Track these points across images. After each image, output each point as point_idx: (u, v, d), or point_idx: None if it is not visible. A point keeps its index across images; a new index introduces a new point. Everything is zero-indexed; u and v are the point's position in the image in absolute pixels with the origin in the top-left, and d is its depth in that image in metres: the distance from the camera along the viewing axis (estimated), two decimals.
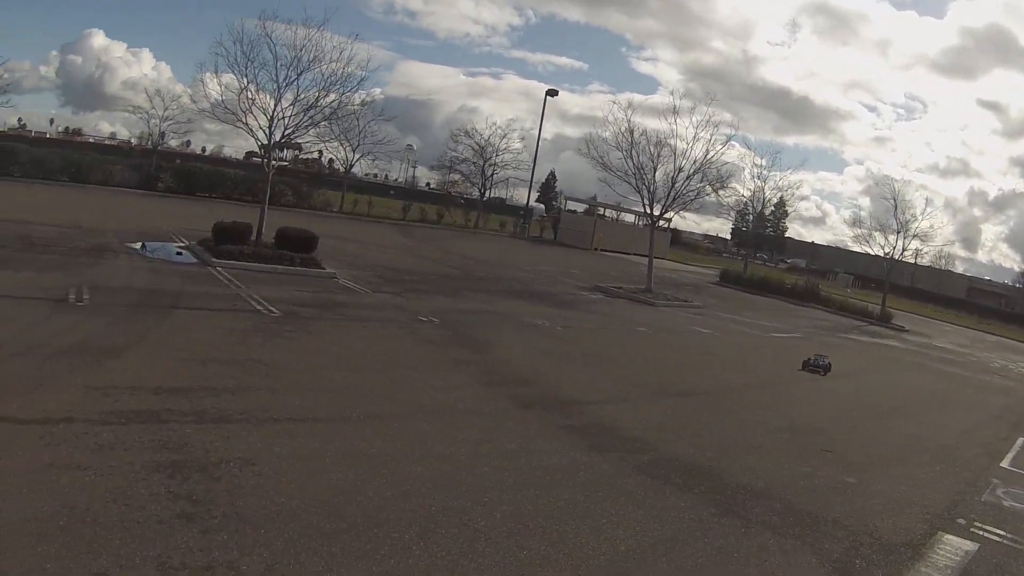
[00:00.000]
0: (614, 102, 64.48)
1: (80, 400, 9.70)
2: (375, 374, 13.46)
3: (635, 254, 63.76)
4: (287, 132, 26.55)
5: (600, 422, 12.69)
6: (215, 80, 27.94)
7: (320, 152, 76.50)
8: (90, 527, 6.59)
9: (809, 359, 22.18)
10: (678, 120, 37.37)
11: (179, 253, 24.12)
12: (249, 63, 25.48)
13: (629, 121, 37.80)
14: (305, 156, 70.25)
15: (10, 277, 16.92)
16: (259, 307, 17.35)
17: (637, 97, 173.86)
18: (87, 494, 7.15)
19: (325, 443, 9.53)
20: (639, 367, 18.21)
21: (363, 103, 35.43)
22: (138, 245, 24.61)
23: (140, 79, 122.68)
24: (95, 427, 8.84)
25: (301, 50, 25.80)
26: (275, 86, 25.81)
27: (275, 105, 25.74)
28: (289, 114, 26.01)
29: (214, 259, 22.60)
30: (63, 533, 6.42)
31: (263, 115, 25.76)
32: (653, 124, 72.10)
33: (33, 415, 8.95)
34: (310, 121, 26.63)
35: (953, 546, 9.87)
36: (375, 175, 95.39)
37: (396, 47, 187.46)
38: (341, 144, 57.89)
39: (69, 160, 52.22)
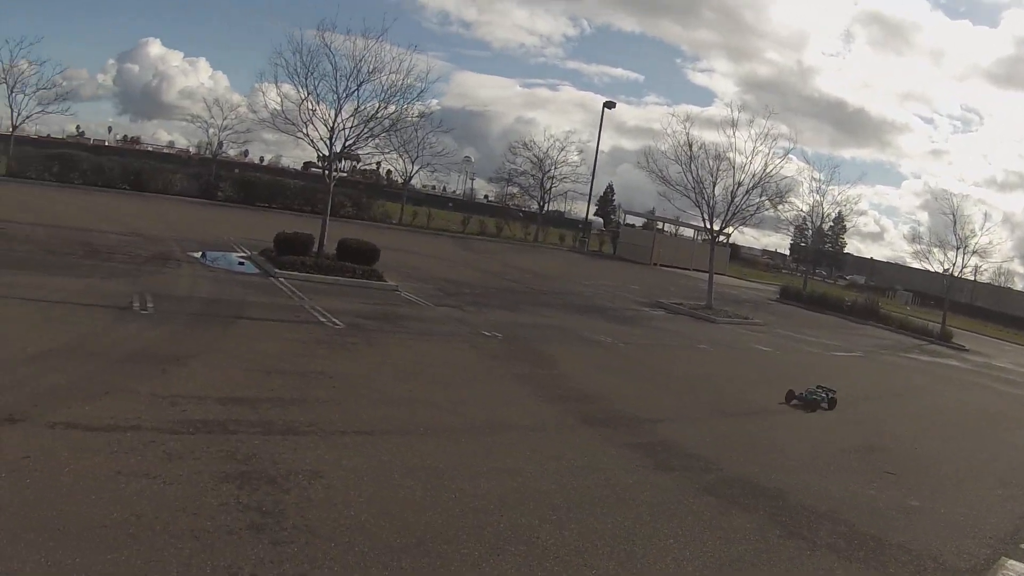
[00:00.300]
0: (672, 114, 63.75)
1: (147, 408, 9.79)
2: (440, 388, 13.43)
3: (694, 269, 63.27)
4: (348, 143, 26.70)
5: (664, 440, 12.54)
6: (275, 90, 28.15)
7: (378, 164, 77.15)
8: (160, 536, 6.63)
9: (795, 390, 17.53)
10: (736, 133, 36.95)
11: (241, 263, 24.49)
12: (309, 74, 25.76)
13: (688, 134, 37.37)
14: (363, 167, 70.69)
15: (74, 283, 17.19)
16: (322, 319, 17.42)
17: (694, 109, 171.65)
18: (156, 503, 7.20)
19: (393, 456, 9.51)
20: (701, 385, 18.03)
21: (421, 115, 35.51)
22: (199, 254, 24.99)
23: (197, 88, 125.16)
24: (163, 436, 8.91)
25: (360, 61, 26.01)
26: (335, 97, 26.05)
27: (335, 116, 25.95)
28: (349, 125, 26.19)
29: (276, 270, 22.82)
30: (132, 541, 6.46)
31: (323, 126, 25.97)
32: (711, 137, 71.33)
33: (101, 422, 9.06)
34: (370, 133, 26.76)
35: (1017, 572, 9.63)
36: (433, 187, 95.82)
37: (451, 57, 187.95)
38: (400, 156, 58.20)
39: (129, 168, 53.44)
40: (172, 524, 6.85)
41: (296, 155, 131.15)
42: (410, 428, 10.84)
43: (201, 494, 7.53)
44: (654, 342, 23.87)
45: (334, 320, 17.36)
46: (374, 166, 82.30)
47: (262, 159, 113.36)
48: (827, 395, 17.63)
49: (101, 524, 6.65)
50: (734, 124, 37.08)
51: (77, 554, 6.11)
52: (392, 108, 26.89)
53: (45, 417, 8.98)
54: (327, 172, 27.28)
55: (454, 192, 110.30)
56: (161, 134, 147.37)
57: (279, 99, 27.19)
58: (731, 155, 36.95)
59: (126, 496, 7.23)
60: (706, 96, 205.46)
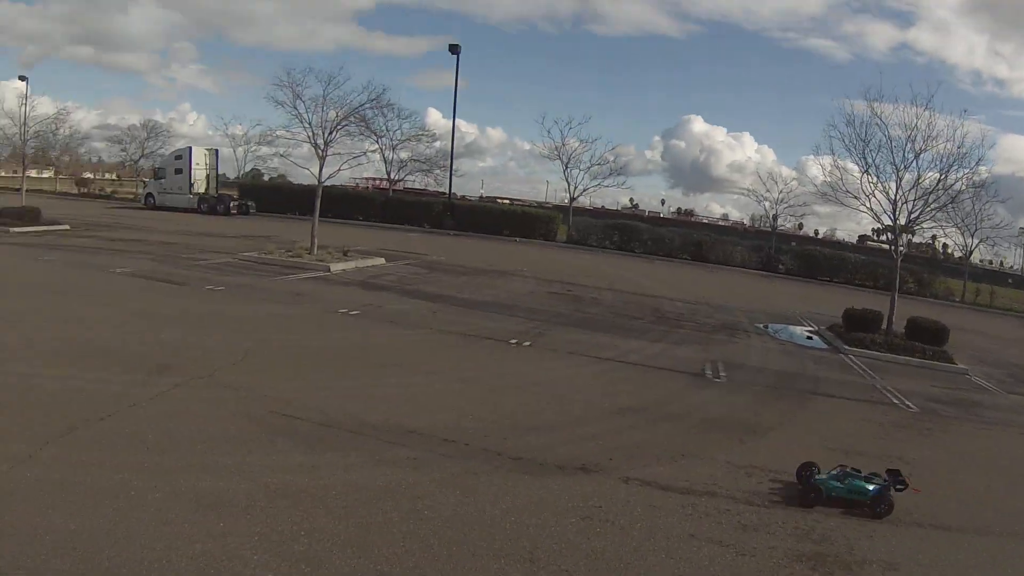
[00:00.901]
0: None
1: (722, 475, 10.09)
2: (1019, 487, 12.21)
3: None
4: (912, 216, 25.55)
5: None
6: (829, 162, 27.68)
7: (933, 237, 73.15)
8: None
9: (813, 466, 10.05)
10: None
11: (809, 337, 24.57)
12: (866, 146, 25.17)
13: None
14: (918, 241, 67.18)
15: (647, 347, 18.44)
16: (895, 400, 16.70)
17: None
18: (728, 572, 7.39)
19: (968, 557, 8.86)
20: None
21: (977, 185, 32.76)
22: (764, 325, 25.56)
23: (744, 162, 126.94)
24: (738, 505, 9.12)
25: (913, 129, 24.78)
26: (892, 168, 25.10)
27: (896, 188, 24.96)
28: (912, 198, 25.05)
29: (845, 346, 22.56)
30: None
31: (885, 198, 25.11)
32: None
33: (676, 484, 9.52)
34: (930, 205, 25.36)
35: None
36: (990, 261, 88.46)
37: (992, 119, 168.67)
38: (958, 228, 54.38)
39: (688, 239, 56.37)
40: None
41: (850, 228, 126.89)
42: (988, 528, 9.96)
43: (774, 570, 7.58)
44: None
45: (906, 402, 16.54)
46: (929, 240, 77.97)
47: (816, 232, 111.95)
48: (881, 487, 9.74)
49: None
50: None
51: None
52: (953, 179, 25.33)
53: (620, 471, 9.69)
54: (893, 247, 26.34)
55: (1011, 267, 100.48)
56: (714, 207, 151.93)
57: (837, 172, 26.83)
58: None
59: (698, 560, 7.52)
60: None
